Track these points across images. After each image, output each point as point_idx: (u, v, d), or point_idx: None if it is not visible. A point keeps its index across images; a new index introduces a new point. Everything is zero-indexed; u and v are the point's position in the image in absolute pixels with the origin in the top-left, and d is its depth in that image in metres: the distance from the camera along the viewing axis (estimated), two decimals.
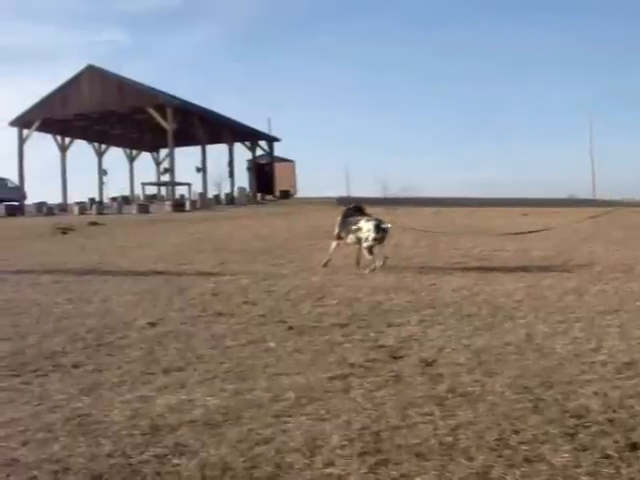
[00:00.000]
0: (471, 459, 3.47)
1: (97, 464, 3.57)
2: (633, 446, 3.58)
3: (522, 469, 3.34)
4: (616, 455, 3.48)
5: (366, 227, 10.63)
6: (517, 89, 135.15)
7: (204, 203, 43.68)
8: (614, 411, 4.12)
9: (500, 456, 3.49)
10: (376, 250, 10.54)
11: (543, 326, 6.53)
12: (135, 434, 3.99)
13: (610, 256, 12.08)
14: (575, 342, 5.87)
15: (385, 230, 10.58)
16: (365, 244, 10.56)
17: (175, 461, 3.59)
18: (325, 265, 10.91)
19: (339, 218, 11.23)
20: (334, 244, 11.15)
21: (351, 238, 10.87)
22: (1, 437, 4.01)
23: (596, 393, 4.46)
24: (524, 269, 10.56)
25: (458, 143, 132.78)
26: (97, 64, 46.13)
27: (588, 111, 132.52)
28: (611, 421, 3.95)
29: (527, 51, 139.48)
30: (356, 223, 10.87)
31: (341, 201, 30.17)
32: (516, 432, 3.81)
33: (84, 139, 54.03)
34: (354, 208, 11.45)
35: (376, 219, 10.81)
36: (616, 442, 3.63)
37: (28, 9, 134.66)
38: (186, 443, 3.82)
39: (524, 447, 3.60)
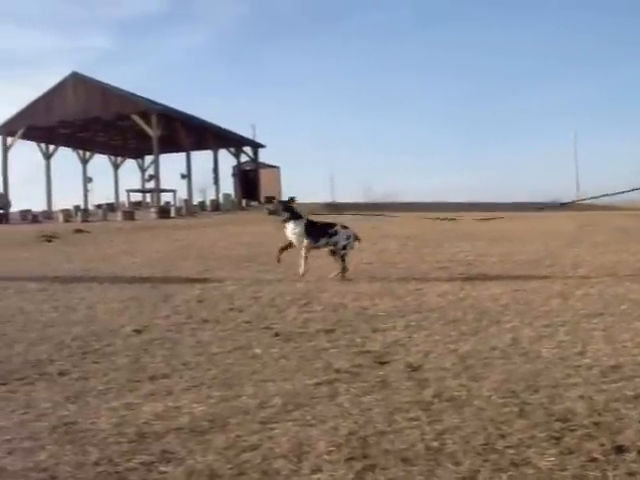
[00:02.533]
0: (458, 464, 3.47)
1: (84, 472, 3.55)
2: (619, 449, 3.59)
3: (509, 473, 3.35)
4: (602, 458, 3.49)
5: (344, 234, 10.57)
6: (503, 92, 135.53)
7: (189, 210, 43.68)
8: (599, 414, 4.13)
9: (487, 460, 3.50)
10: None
11: (529, 330, 6.55)
12: (122, 442, 3.97)
13: (595, 260, 12.14)
14: (560, 346, 5.89)
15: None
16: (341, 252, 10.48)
17: (162, 468, 3.57)
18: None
19: (303, 223, 10.65)
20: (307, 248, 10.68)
21: (323, 241, 10.61)
22: None
23: (582, 397, 4.48)
24: (509, 273, 10.60)
25: (443, 147, 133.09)
26: (83, 70, 46.20)
27: (572, 112, 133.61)
28: (597, 424, 3.96)
29: (513, 51, 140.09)
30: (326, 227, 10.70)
31: (326, 207, 30.13)
32: (502, 436, 3.81)
33: (68, 146, 53.94)
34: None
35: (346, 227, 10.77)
36: (602, 445, 3.64)
37: (12, 14, 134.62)
38: (173, 450, 3.81)
39: (510, 451, 3.60)
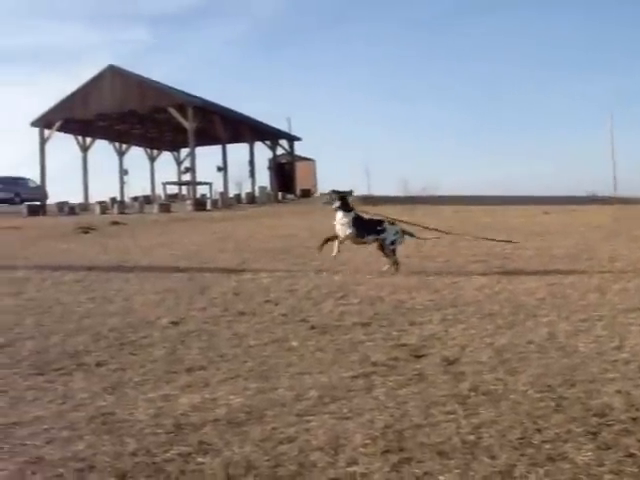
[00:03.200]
0: (494, 458, 3.47)
1: (122, 462, 3.60)
2: None
3: (545, 468, 3.34)
4: None
5: (393, 229, 10.63)
6: (539, 86, 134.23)
7: (225, 202, 43.78)
8: (637, 409, 4.11)
9: (523, 455, 3.50)
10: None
11: (565, 324, 6.51)
12: (159, 433, 4.02)
13: (632, 254, 12.02)
14: (598, 340, 5.86)
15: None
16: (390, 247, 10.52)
17: (199, 459, 3.61)
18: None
19: (352, 216, 10.70)
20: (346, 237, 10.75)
21: (371, 237, 10.68)
22: (26, 435, 4.05)
23: (619, 391, 4.45)
24: (545, 267, 10.53)
25: (479, 141, 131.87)
26: (120, 63, 46.32)
27: (610, 105, 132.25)
28: (634, 419, 3.94)
29: (547, 45, 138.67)
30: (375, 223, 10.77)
31: (363, 199, 30.05)
32: (539, 431, 3.81)
33: (105, 139, 54.19)
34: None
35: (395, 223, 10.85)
36: (639, 440, 3.63)
37: (53, 8, 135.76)
38: (210, 442, 3.85)
39: (547, 446, 3.60)
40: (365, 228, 10.64)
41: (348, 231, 10.49)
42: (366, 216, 11.03)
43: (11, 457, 3.73)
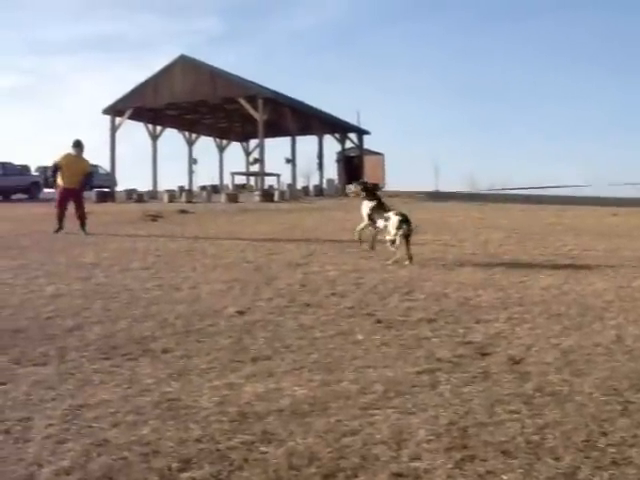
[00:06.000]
0: (558, 459, 3.47)
1: (186, 448, 3.68)
2: None
3: (610, 472, 3.33)
4: None
5: (393, 219, 10.98)
6: (611, 82, 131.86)
7: (293, 194, 43.81)
8: None
9: (587, 457, 3.49)
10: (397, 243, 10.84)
11: (633, 328, 6.44)
12: (223, 420, 4.09)
13: None
14: None
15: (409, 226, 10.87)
16: (388, 237, 10.99)
17: (263, 449, 3.67)
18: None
19: (372, 204, 11.77)
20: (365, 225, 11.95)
21: (381, 223, 11.42)
22: (92, 418, 4.16)
23: None
24: (614, 269, 10.38)
25: (548, 140, 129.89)
26: (191, 53, 46.52)
27: None
28: None
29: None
30: (387, 212, 11.36)
31: (431, 195, 29.87)
32: (604, 434, 3.79)
33: (175, 128, 54.57)
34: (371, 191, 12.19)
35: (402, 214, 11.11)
36: None
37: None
38: (274, 431, 3.90)
39: (612, 449, 3.58)
40: (379, 216, 11.45)
41: (365, 218, 11.65)
42: (385, 205, 11.81)
43: (77, 439, 3.83)
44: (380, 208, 11.58)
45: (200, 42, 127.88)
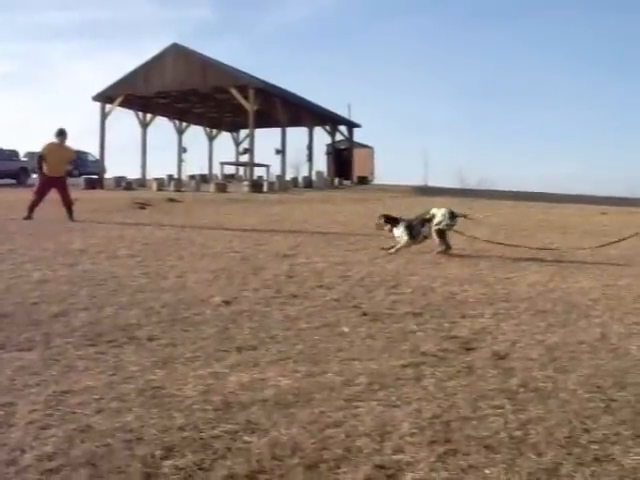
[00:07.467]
0: (540, 455, 3.48)
1: (169, 436, 3.68)
2: None
3: (592, 468, 3.35)
4: None
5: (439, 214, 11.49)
6: (604, 82, 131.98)
7: (282, 185, 43.72)
8: None
9: (570, 454, 3.50)
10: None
11: (618, 326, 6.47)
12: (207, 409, 4.10)
13: None
14: None
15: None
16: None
17: (246, 438, 3.67)
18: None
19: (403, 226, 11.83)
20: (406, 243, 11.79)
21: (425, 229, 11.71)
22: (76, 404, 4.16)
23: None
24: (600, 268, 10.42)
25: (537, 137, 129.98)
26: (182, 41, 46.31)
27: None
28: None
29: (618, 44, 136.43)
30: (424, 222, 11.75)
31: (419, 190, 29.90)
32: (587, 431, 3.81)
33: (165, 116, 54.40)
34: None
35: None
36: None
37: None
38: (257, 421, 3.91)
39: (594, 446, 3.60)
40: (415, 229, 11.65)
41: (405, 238, 11.49)
42: (411, 218, 12.03)
43: (61, 425, 3.83)
44: (412, 223, 11.76)
45: (192, 31, 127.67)
